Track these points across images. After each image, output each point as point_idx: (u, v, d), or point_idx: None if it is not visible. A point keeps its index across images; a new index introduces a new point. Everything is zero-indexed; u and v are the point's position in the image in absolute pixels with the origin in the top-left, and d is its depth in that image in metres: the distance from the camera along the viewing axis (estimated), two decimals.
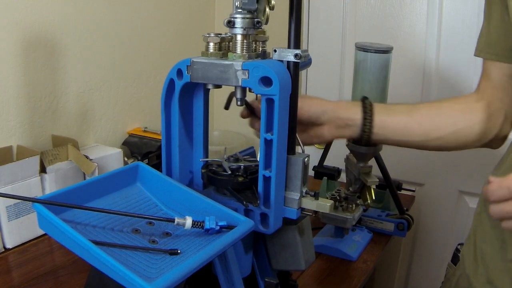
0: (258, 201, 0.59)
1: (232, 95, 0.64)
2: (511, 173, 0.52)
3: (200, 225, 0.54)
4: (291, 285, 0.72)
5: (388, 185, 1.07)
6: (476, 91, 0.79)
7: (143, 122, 1.39)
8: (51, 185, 0.99)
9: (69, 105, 1.17)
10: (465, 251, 0.76)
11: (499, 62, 0.74)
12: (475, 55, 0.79)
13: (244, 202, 0.59)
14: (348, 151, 1.02)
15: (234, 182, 0.61)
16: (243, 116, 0.74)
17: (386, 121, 0.74)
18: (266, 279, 0.65)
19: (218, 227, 0.54)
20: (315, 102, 0.76)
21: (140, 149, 1.26)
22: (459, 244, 0.82)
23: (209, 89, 0.63)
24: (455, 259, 0.81)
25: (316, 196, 0.62)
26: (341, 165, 1.09)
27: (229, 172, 0.62)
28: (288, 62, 0.60)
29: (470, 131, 0.75)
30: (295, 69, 0.60)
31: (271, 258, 0.66)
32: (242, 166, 0.63)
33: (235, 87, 0.60)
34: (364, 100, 0.76)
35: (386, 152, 1.04)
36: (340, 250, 0.98)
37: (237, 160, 0.65)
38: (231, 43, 0.61)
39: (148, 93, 1.40)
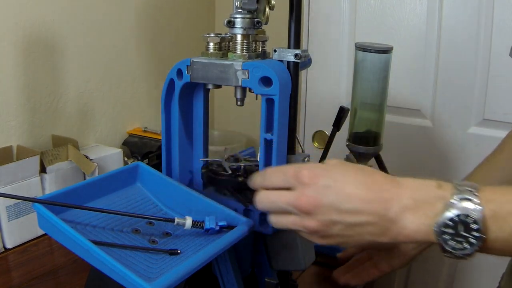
0: None
1: None
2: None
3: (200, 225, 0.54)
4: (291, 285, 0.72)
5: None
6: None
7: (143, 122, 1.39)
8: (51, 185, 0.99)
9: (69, 105, 1.17)
10: (504, 275, 0.74)
11: None
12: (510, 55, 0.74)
13: (244, 202, 0.60)
14: (348, 151, 1.02)
15: (234, 182, 0.61)
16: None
17: None
18: (266, 279, 0.65)
19: (218, 227, 0.54)
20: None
21: (140, 149, 1.26)
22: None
23: (209, 89, 0.63)
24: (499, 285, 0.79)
25: None
26: None
27: (229, 172, 0.62)
28: (288, 62, 0.60)
29: None
30: (295, 69, 0.60)
31: (271, 258, 0.66)
32: (242, 166, 0.63)
33: (235, 87, 0.60)
34: None
35: (386, 152, 1.04)
36: (340, 250, 0.97)
37: (237, 160, 0.65)
38: (231, 43, 0.61)
39: (148, 93, 1.40)
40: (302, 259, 0.65)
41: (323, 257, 0.97)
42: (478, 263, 1.42)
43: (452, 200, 0.43)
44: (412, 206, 0.44)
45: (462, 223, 0.42)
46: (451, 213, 0.42)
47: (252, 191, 0.61)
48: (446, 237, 0.42)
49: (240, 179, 0.62)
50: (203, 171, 0.65)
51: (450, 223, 0.42)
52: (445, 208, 0.43)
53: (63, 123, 1.16)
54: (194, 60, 0.60)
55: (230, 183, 0.62)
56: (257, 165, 0.61)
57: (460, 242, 0.42)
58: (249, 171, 0.63)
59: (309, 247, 0.66)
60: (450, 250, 0.42)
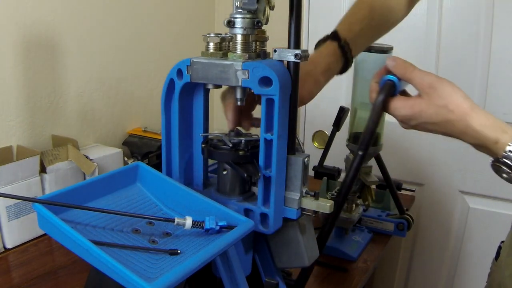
0: (259, 174, 0.59)
1: None
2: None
3: (200, 225, 0.54)
4: (291, 285, 0.72)
5: (388, 185, 1.07)
6: None
7: (143, 122, 1.39)
8: (51, 185, 0.99)
9: (69, 105, 1.17)
10: (504, 245, 0.78)
11: None
12: None
13: (245, 175, 0.59)
14: (348, 151, 1.02)
15: (235, 155, 0.61)
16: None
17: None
18: (266, 279, 0.65)
19: (218, 227, 0.54)
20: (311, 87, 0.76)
21: (140, 149, 1.26)
22: (502, 242, 0.82)
23: (209, 89, 0.63)
24: (497, 255, 0.82)
25: (316, 196, 0.62)
26: (341, 165, 1.09)
27: (230, 146, 0.62)
28: (288, 62, 0.60)
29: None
30: (295, 69, 0.60)
31: (274, 257, 0.66)
32: (243, 140, 0.62)
33: (235, 87, 0.60)
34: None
35: (386, 152, 1.04)
36: (340, 250, 0.98)
37: (238, 134, 0.64)
38: (231, 43, 0.61)
39: (148, 93, 1.40)
40: (305, 254, 0.64)
41: (323, 257, 0.97)
42: (478, 263, 1.43)
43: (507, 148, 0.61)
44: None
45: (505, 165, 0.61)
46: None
47: (253, 165, 0.60)
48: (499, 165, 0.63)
49: (241, 152, 0.61)
50: (203, 145, 0.64)
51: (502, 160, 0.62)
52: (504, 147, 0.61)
53: (63, 123, 1.16)
54: (194, 60, 0.60)
55: (230, 156, 0.61)
56: (258, 140, 0.61)
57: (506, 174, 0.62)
58: (250, 145, 0.62)
59: (311, 243, 0.66)
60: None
